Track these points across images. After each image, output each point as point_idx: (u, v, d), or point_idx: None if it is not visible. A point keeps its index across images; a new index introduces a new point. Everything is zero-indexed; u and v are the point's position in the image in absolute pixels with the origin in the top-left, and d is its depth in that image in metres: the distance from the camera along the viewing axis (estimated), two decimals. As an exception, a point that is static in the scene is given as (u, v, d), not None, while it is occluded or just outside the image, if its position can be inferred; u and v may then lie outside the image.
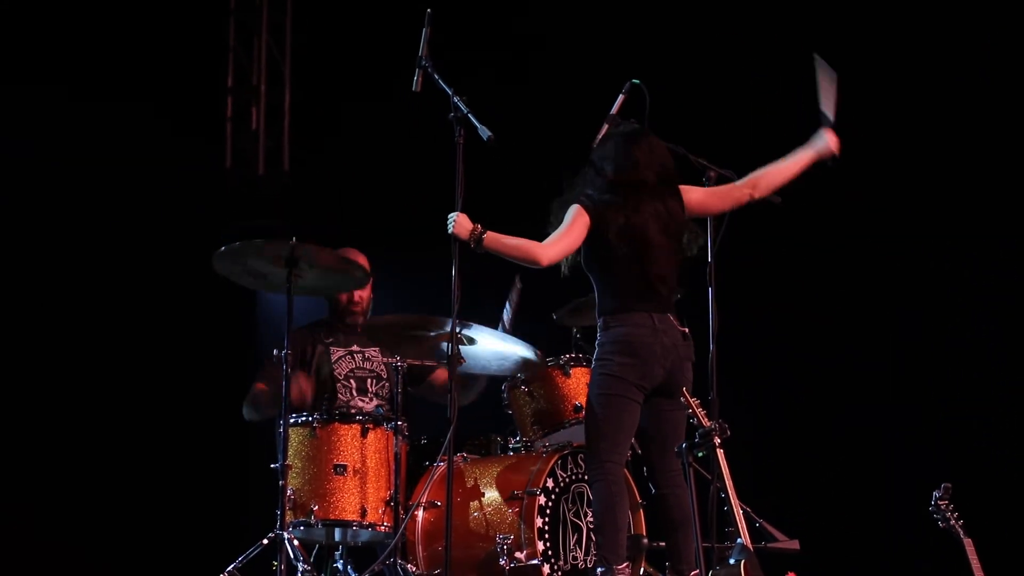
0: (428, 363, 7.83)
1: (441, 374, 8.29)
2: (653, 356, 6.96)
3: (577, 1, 10.37)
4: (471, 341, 7.53)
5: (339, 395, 8.19)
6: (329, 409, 7.63)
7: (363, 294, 8.39)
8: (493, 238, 6.96)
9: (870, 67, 9.70)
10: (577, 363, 7.95)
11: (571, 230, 7.02)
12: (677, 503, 7.01)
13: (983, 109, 9.60)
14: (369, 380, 8.27)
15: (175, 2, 10.39)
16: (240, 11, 11.03)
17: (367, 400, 8.19)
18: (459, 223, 6.94)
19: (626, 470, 7.56)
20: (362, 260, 8.14)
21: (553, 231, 7.07)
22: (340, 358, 8.26)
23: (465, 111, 6.94)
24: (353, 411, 7.63)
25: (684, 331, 7.10)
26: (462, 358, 7.37)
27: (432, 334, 7.51)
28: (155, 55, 10.29)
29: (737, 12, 10.12)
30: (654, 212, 7.10)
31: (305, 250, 7.35)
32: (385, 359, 7.93)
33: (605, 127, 7.42)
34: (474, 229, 6.93)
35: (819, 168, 9.65)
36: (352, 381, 8.24)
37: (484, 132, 6.90)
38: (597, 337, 7.06)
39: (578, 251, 7.12)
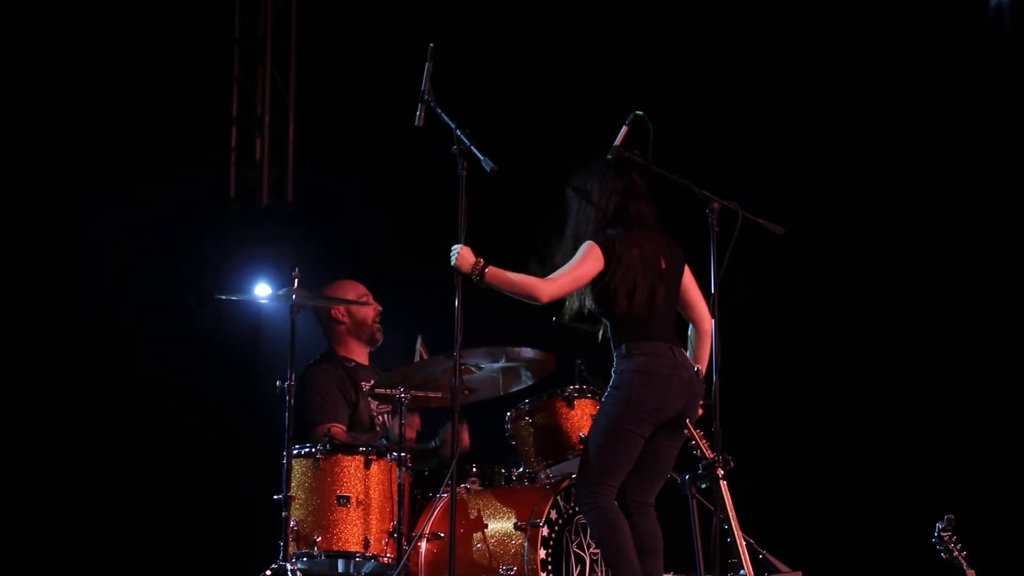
0: (432, 395, 7.82)
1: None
2: (672, 388, 6.97)
3: (582, 26, 10.39)
4: (477, 368, 7.56)
5: (377, 429, 8.28)
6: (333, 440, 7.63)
7: (376, 308, 8.44)
8: (495, 273, 6.96)
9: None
10: (581, 395, 7.93)
11: (579, 268, 7.02)
12: (648, 531, 7.03)
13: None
14: (386, 415, 8.30)
15: (179, 31, 10.40)
16: (245, 41, 11.05)
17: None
18: (462, 256, 6.95)
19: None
20: (358, 290, 8.23)
21: (540, 258, 7.10)
22: (366, 392, 8.31)
23: (468, 144, 6.96)
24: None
25: (698, 367, 7.13)
26: (467, 390, 7.41)
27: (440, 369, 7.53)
28: (160, 84, 10.31)
29: (738, 43, 10.15)
30: (661, 247, 7.14)
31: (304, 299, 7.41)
32: (388, 391, 7.93)
33: (609, 158, 7.43)
34: (476, 263, 6.94)
35: (822, 199, 9.74)
36: (380, 417, 8.30)
37: (487, 164, 6.93)
38: (615, 365, 7.04)
39: (581, 298, 7.13)
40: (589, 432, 7.14)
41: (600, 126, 7.43)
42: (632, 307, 7.02)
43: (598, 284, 7.07)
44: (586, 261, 7.02)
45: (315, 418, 8.08)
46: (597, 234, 7.08)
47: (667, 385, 6.95)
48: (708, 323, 7.25)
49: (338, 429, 8.07)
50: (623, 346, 7.04)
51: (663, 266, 7.12)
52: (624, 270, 7.02)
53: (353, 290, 8.38)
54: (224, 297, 8.24)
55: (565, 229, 7.23)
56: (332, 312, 8.40)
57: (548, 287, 6.98)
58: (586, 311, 7.20)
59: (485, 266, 6.94)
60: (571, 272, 7.03)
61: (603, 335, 7.21)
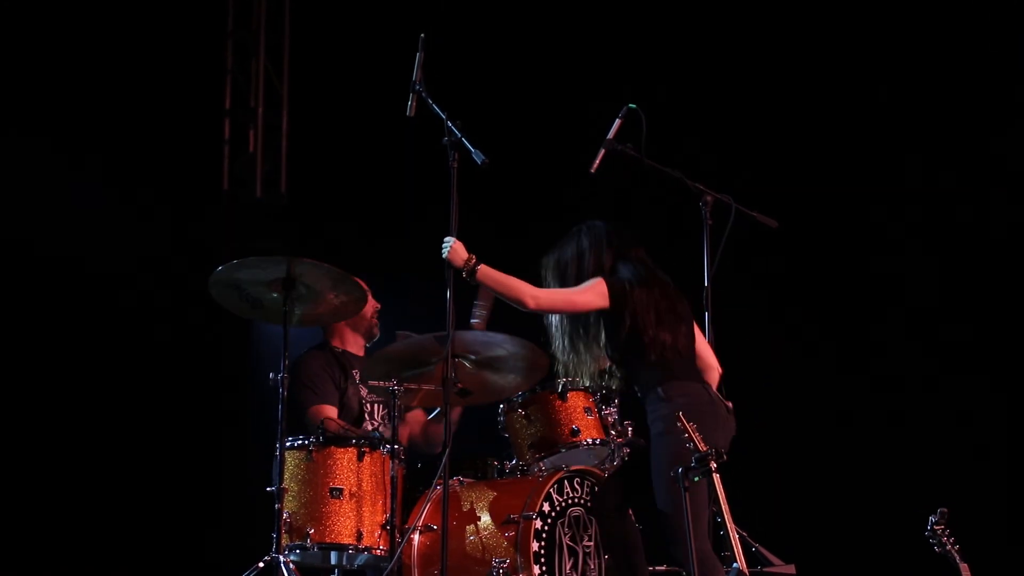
0: (426, 387, 7.81)
1: (417, 414, 8.30)
2: (718, 424, 6.91)
3: (571, 8, 10.40)
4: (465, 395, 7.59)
5: (365, 418, 8.26)
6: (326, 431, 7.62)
7: (375, 306, 8.43)
8: (486, 271, 6.96)
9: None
10: (574, 387, 7.94)
11: (579, 295, 6.97)
12: (629, 530, 7.08)
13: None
14: (376, 405, 8.29)
15: (173, 24, 10.38)
16: (238, 33, 11.03)
17: (379, 424, 8.23)
18: (454, 250, 6.94)
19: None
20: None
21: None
22: (359, 382, 8.29)
23: (459, 135, 6.95)
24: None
25: (728, 405, 7.10)
26: (458, 383, 7.43)
27: (432, 360, 7.52)
28: (152, 76, 10.29)
29: (734, 37, 10.15)
30: (673, 290, 7.11)
31: (302, 266, 7.35)
32: (380, 382, 7.90)
33: (603, 152, 7.43)
34: (468, 259, 6.93)
35: (817, 191, 9.75)
36: (368, 405, 8.28)
37: (478, 156, 6.92)
38: (654, 410, 6.91)
39: (593, 357, 7.09)
40: (655, 490, 6.87)
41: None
42: (664, 349, 6.92)
43: (620, 328, 6.98)
44: (588, 292, 6.97)
45: (305, 399, 8.07)
46: (606, 274, 7.03)
47: (714, 422, 6.88)
48: (717, 372, 7.21)
49: (329, 411, 8.05)
50: (658, 389, 6.93)
51: (681, 308, 7.07)
52: (645, 312, 6.94)
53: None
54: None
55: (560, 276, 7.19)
56: None
57: (537, 296, 6.98)
58: (606, 366, 7.15)
59: (477, 263, 6.92)
60: (569, 294, 7.00)
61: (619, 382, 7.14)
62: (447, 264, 6.96)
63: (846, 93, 10.01)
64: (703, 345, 7.25)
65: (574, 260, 7.16)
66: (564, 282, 7.13)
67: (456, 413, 8.15)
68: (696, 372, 7.03)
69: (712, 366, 7.24)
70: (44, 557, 9.59)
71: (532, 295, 6.96)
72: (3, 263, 9.72)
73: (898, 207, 9.87)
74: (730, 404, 7.08)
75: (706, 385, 7.02)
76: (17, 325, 9.74)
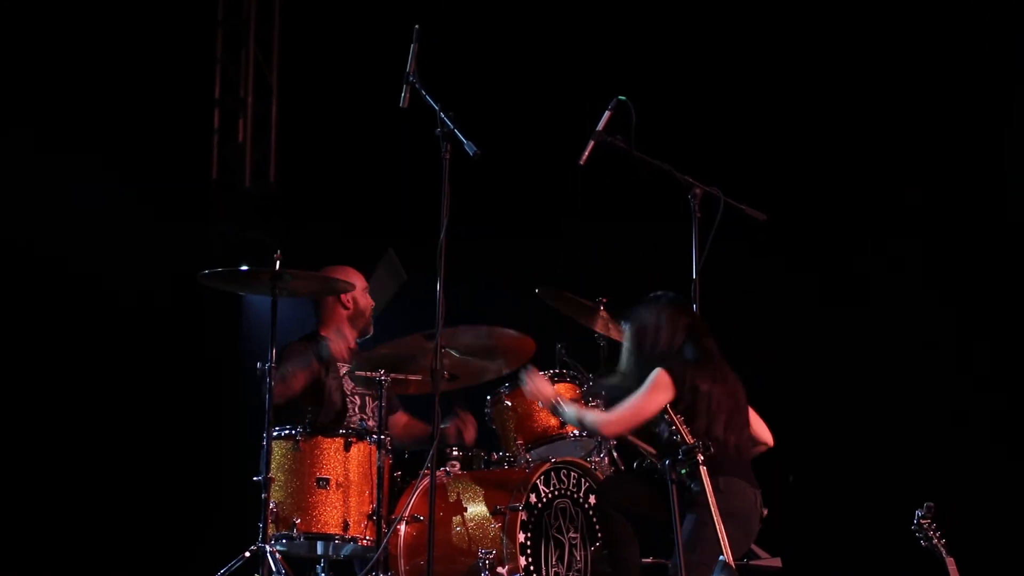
0: (412, 377, 7.80)
1: (399, 418, 8.30)
2: (750, 529, 6.93)
3: (563, 12, 10.39)
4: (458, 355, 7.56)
5: (348, 411, 8.20)
6: (314, 422, 7.61)
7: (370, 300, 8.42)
8: (567, 410, 6.99)
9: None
10: (561, 379, 7.96)
11: (646, 400, 6.85)
12: (626, 526, 7.00)
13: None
14: (366, 398, 8.27)
15: (163, 13, 10.37)
16: (228, 22, 11.03)
17: (367, 417, 8.21)
18: (539, 388, 6.89)
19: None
20: (355, 278, 8.20)
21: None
22: (344, 375, 8.25)
23: (451, 126, 6.94)
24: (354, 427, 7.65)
25: (764, 512, 7.07)
26: (447, 373, 7.42)
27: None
28: (142, 65, 10.28)
29: (724, 29, 10.15)
30: (734, 379, 7.06)
31: (288, 276, 7.39)
32: (368, 373, 7.87)
33: (592, 144, 7.43)
34: (556, 395, 6.91)
35: (807, 183, 9.76)
36: (356, 398, 8.25)
37: (470, 148, 6.90)
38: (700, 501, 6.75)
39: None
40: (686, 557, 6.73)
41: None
42: (725, 449, 6.85)
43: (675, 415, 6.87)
44: (654, 393, 6.84)
45: (280, 373, 7.82)
46: (667, 360, 6.94)
47: (747, 527, 6.90)
48: (766, 447, 7.23)
49: (276, 373, 7.92)
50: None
51: (742, 401, 7.04)
52: (704, 403, 6.87)
53: (357, 280, 8.32)
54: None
55: (627, 365, 7.10)
56: (341, 296, 8.32)
57: (611, 427, 6.95)
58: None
59: (560, 399, 6.93)
60: (638, 407, 6.87)
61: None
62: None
63: (837, 84, 10.01)
64: (757, 421, 7.23)
65: (651, 331, 7.05)
66: (640, 351, 7.02)
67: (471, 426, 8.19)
68: (748, 469, 6.98)
69: (763, 441, 7.25)
70: (34, 547, 9.58)
71: (606, 423, 6.94)
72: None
73: (890, 203, 9.87)
74: (765, 512, 7.05)
75: (754, 487, 6.97)
76: (4, 319, 9.73)
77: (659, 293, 7.14)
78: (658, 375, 6.85)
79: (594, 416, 7.01)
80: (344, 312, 8.38)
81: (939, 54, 9.78)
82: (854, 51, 9.96)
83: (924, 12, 9.78)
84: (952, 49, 9.76)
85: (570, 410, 7.05)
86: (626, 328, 7.19)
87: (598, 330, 8.32)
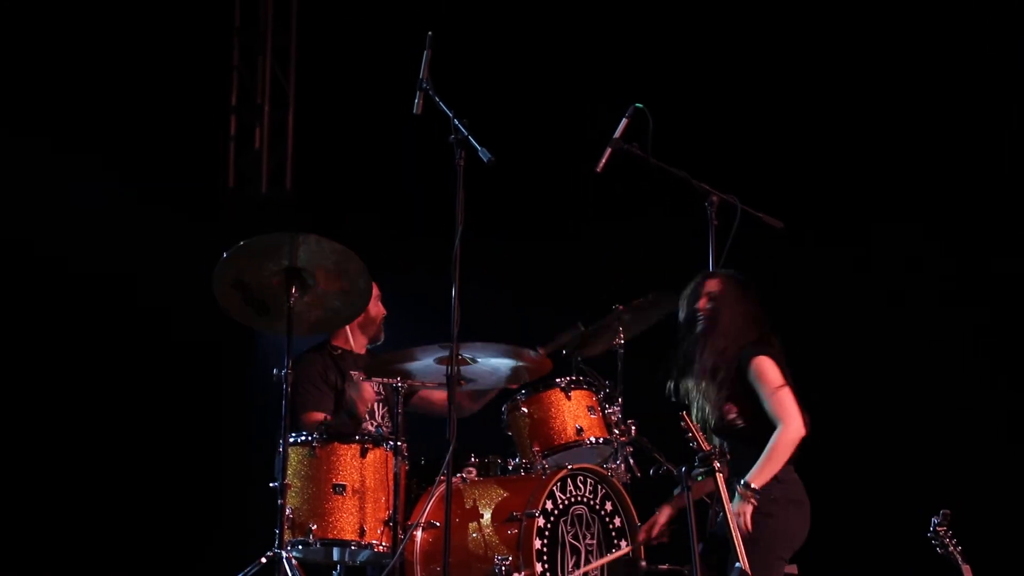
0: (428, 384, 7.82)
1: (440, 393, 8.28)
2: (808, 516, 6.93)
3: (579, 20, 10.40)
4: (473, 360, 7.55)
5: (365, 420, 8.22)
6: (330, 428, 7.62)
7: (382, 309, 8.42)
8: (763, 479, 6.76)
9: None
10: (578, 386, 7.96)
11: (783, 385, 6.88)
12: None
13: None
14: (376, 404, 8.28)
15: (180, 21, 10.40)
16: (245, 31, 11.05)
17: (374, 424, 8.22)
18: (746, 509, 6.75)
19: (625, 491, 7.59)
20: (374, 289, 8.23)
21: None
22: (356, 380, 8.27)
23: (465, 133, 6.94)
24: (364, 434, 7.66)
25: None
26: (463, 379, 7.42)
27: (433, 359, 7.51)
28: (159, 74, 10.31)
29: (739, 36, 10.16)
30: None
31: (306, 243, 7.40)
32: (385, 380, 7.87)
33: (609, 151, 7.44)
34: (750, 495, 6.72)
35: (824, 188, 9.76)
36: (355, 396, 8.25)
37: (485, 155, 6.91)
38: (765, 491, 6.77)
39: (723, 412, 6.96)
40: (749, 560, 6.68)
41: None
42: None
43: (754, 402, 6.91)
44: (779, 377, 6.86)
45: (299, 404, 7.93)
46: (757, 348, 6.94)
47: (808, 514, 6.93)
48: None
49: (316, 416, 8.00)
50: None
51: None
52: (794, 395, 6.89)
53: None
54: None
55: (703, 350, 7.01)
56: None
57: (792, 431, 6.82)
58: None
59: (755, 487, 6.75)
60: (782, 393, 6.85)
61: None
62: (453, 261, 6.92)
63: (852, 90, 10.01)
64: None
65: (749, 316, 7.04)
66: (716, 335, 6.99)
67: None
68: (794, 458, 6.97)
69: None
70: (47, 554, 9.60)
71: (792, 435, 6.83)
72: (6, 262, 9.74)
73: (905, 210, 9.88)
74: None
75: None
76: (19, 323, 9.75)
77: (729, 271, 7.13)
78: (766, 363, 6.86)
79: (779, 447, 6.80)
80: (356, 320, 8.39)
81: (964, 62, 9.78)
82: (875, 59, 9.96)
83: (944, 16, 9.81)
84: (974, 56, 9.78)
85: (764, 476, 6.81)
86: (701, 307, 7.07)
87: (615, 344, 8.33)
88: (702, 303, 7.02)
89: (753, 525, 6.68)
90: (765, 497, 6.73)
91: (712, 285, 7.04)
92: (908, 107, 9.91)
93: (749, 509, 6.67)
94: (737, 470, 6.78)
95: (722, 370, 6.92)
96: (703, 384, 6.96)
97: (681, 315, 7.09)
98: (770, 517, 6.74)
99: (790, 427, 6.79)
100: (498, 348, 7.54)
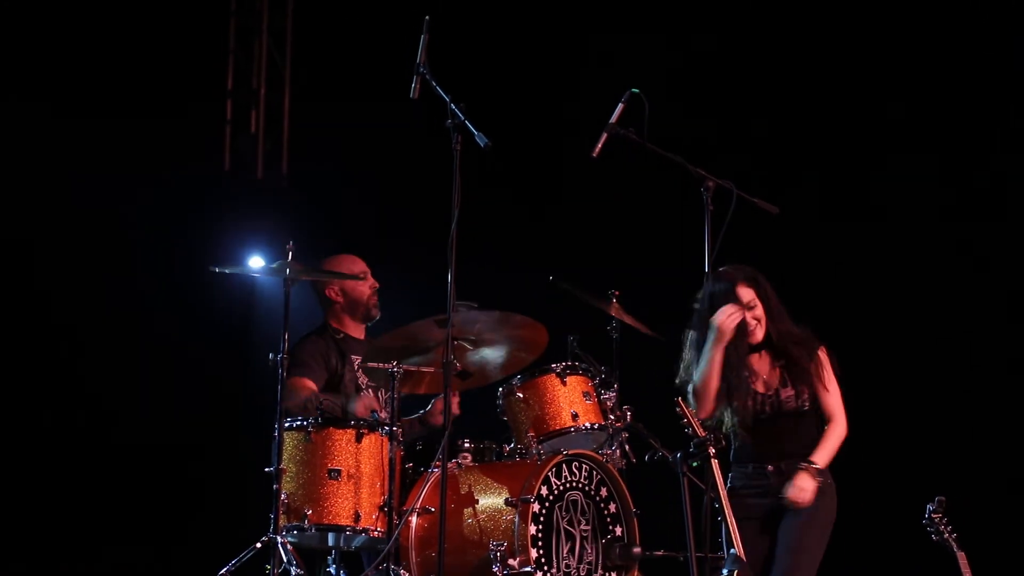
0: (424, 368, 7.80)
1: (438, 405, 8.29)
2: None
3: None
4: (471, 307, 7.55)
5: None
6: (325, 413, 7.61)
7: (373, 285, 8.41)
8: (824, 458, 7.11)
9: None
10: (574, 371, 7.96)
11: (835, 386, 7.28)
12: None
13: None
14: (380, 391, 8.26)
15: (175, 4, 10.37)
16: (241, 14, 11.03)
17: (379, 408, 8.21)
18: (811, 485, 6.97)
19: (620, 477, 7.59)
20: (357, 266, 8.21)
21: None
22: (359, 368, 8.26)
23: (462, 118, 6.93)
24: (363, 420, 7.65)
25: None
26: (458, 364, 7.43)
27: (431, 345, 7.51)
28: (155, 57, 10.28)
29: (737, 24, 10.15)
30: None
31: (298, 272, 7.41)
32: (380, 365, 7.87)
33: (605, 136, 7.41)
34: (817, 474, 6.98)
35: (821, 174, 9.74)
36: (370, 390, 8.25)
37: (481, 139, 6.90)
38: (822, 473, 7.08)
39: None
40: (812, 535, 7.09)
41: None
42: None
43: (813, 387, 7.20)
44: (833, 376, 7.26)
45: (291, 373, 7.82)
46: (816, 338, 7.29)
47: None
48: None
49: (309, 383, 8.01)
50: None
51: None
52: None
53: (352, 265, 8.32)
54: (218, 270, 8.17)
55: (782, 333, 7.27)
56: (326, 291, 8.36)
57: (847, 424, 7.20)
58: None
59: (817, 465, 7.04)
60: (838, 385, 7.23)
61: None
62: (449, 244, 6.92)
63: (849, 76, 10.01)
64: None
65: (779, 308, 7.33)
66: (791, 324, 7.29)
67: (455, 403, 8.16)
68: None
69: None
70: (43, 537, 9.60)
71: (843, 427, 7.20)
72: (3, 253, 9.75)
73: (900, 193, 9.87)
74: None
75: None
76: (16, 309, 9.75)
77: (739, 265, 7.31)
78: (825, 351, 7.26)
79: (834, 436, 7.17)
80: (336, 305, 8.39)
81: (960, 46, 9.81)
82: (873, 40, 9.97)
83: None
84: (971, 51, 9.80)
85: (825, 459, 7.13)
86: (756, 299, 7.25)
87: (612, 314, 8.34)
88: (746, 293, 7.21)
89: (814, 502, 6.98)
90: (824, 479, 7.05)
91: (745, 280, 7.26)
92: (909, 101, 9.92)
93: (814, 486, 6.96)
94: (794, 451, 7.07)
95: (803, 354, 7.21)
96: (777, 365, 7.22)
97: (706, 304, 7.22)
98: (826, 496, 7.06)
99: (845, 420, 7.19)
100: (492, 314, 7.55)
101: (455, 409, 8.11)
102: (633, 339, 8.42)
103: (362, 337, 8.44)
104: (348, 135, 10.54)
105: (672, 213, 8.93)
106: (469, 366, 7.78)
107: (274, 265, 7.64)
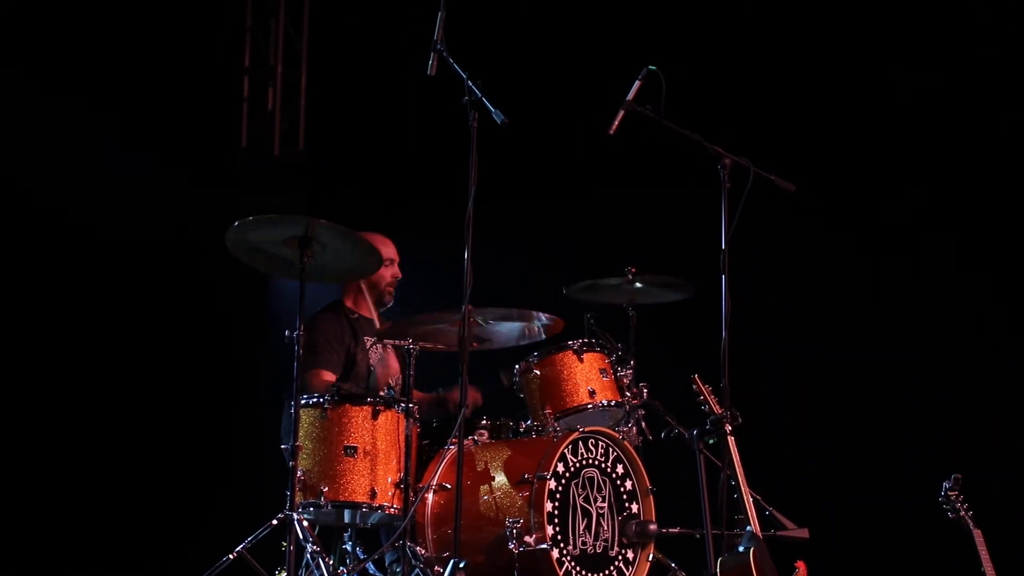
0: (440, 346, 7.80)
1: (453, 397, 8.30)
2: None
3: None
4: (486, 322, 7.56)
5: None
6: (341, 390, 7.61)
7: (395, 275, 8.40)
8: None
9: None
10: (590, 348, 7.96)
11: None
12: None
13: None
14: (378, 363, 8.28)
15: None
16: (258, -9, 11.03)
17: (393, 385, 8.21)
18: None
19: (636, 454, 7.60)
20: (383, 246, 8.19)
21: None
22: (371, 346, 8.26)
23: (479, 95, 6.92)
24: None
25: None
26: (475, 342, 7.42)
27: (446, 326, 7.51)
28: (172, 34, 10.28)
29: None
30: None
31: (319, 228, 7.34)
32: (397, 342, 7.86)
33: (622, 113, 7.41)
34: None
35: (835, 159, 9.73)
36: (379, 368, 8.25)
37: (498, 116, 6.89)
38: None
39: None
40: None
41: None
42: None
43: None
44: None
45: (306, 362, 7.75)
46: None
47: None
48: None
49: (327, 376, 8.01)
50: None
51: None
52: None
53: (383, 247, 8.29)
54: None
55: None
56: None
57: None
58: None
59: None
60: None
61: None
62: (466, 223, 6.90)
63: (865, 56, 9.99)
64: None
65: None
66: None
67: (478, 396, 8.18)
68: None
69: None
70: (62, 515, 9.63)
71: None
72: (25, 225, 9.75)
73: (920, 175, 9.85)
74: None
75: None
76: (34, 287, 9.76)
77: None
78: None
79: None
80: (354, 284, 8.38)
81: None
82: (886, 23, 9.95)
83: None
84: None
85: None
86: None
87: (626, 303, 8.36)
88: None
89: None
90: None
91: None
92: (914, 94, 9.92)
93: None
94: None
95: None
96: None
97: None
98: None
99: None
100: (507, 312, 7.55)
101: (478, 399, 8.14)
102: (649, 316, 8.42)
103: (375, 320, 8.42)
104: (365, 112, 10.53)
105: (688, 190, 8.91)
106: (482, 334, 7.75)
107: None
